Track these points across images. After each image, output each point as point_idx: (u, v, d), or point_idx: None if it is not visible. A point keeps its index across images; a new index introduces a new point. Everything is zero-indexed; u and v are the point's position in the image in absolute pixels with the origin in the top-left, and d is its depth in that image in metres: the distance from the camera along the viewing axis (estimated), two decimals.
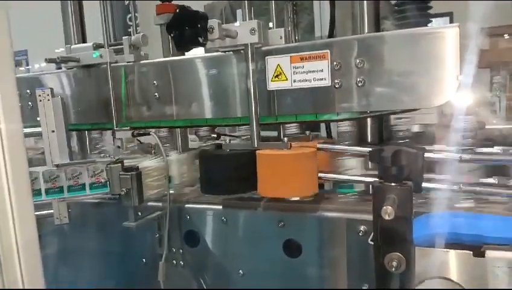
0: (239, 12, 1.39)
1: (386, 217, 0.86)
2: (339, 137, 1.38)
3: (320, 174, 1.23)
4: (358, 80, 1.20)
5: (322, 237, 1.22)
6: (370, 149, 1.18)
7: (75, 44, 1.73)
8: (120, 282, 1.54)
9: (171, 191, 1.43)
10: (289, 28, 1.65)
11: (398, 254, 0.90)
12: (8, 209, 0.89)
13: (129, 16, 2.81)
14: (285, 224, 1.23)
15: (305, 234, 1.22)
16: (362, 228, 1.15)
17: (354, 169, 1.31)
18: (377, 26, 1.45)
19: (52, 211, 1.43)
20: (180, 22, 1.15)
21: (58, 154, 1.43)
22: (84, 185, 1.45)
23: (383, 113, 1.23)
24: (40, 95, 1.44)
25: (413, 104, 1.16)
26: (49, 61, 1.52)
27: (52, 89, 1.45)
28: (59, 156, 1.42)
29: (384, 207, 0.84)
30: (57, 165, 1.41)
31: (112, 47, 1.53)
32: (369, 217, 0.99)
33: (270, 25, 1.57)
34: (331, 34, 1.75)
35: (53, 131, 1.43)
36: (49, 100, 1.44)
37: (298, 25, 1.88)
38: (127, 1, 2.45)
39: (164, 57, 1.60)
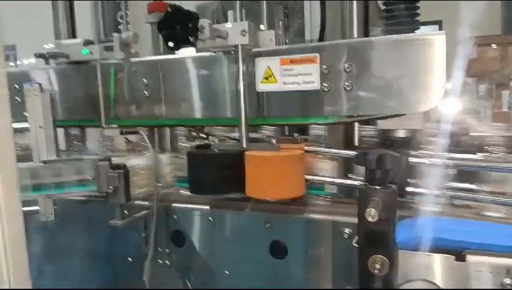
0: (230, 13, 1.40)
1: (370, 219, 0.88)
2: (322, 140, 1.40)
3: (307, 177, 1.24)
4: (346, 84, 1.21)
5: (307, 238, 1.23)
6: (354, 152, 1.20)
7: (65, 40, 1.72)
8: (105, 281, 1.53)
9: (159, 190, 1.43)
10: (280, 31, 1.67)
11: (381, 256, 0.91)
12: None
13: (120, 13, 2.79)
14: (272, 225, 1.24)
15: (291, 236, 1.23)
16: (347, 230, 1.17)
17: (329, 171, 1.33)
18: (365, 30, 1.46)
19: (37, 207, 1.41)
20: (172, 20, 1.15)
21: (45, 150, 1.42)
22: (70, 182, 1.44)
23: (369, 118, 1.25)
24: (28, 90, 1.43)
25: (399, 109, 1.18)
26: (39, 56, 1.51)
27: (40, 84, 1.44)
28: (46, 153, 1.41)
29: (368, 209, 0.85)
30: (44, 162, 1.40)
31: (102, 44, 1.52)
32: (354, 219, 1.01)
33: (262, 27, 1.59)
34: (321, 38, 1.76)
35: (41, 127, 1.42)
36: (37, 95, 1.43)
37: (289, 28, 1.90)
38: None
39: (154, 55, 1.60)
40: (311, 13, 1.83)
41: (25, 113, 1.45)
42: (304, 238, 1.23)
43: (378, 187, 0.90)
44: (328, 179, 1.27)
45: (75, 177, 1.44)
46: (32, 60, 1.79)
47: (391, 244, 0.93)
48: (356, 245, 0.96)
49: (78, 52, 1.53)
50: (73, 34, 1.84)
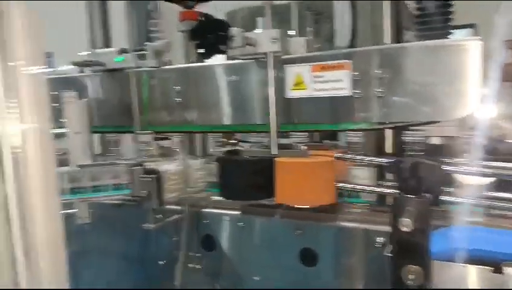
0: (260, 20, 1.41)
1: (404, 229, 0.87)
2: (354, 146, 1.38)
3: (338, 184, 1.24)
4: (378, 90, 1.20)
5: (338, 247, 1.22)
6: (387, 160, 1.19)
7: (100, 48, 1.78)
8: (137, 283, 1.56)
9: (190, 195, 1.46)
10: (310, 37, 1.66)
11: (415, 266, 0.90)
12: (36, 207, 0.92)
13: (152, 22, 2.85)
14: (302, 232, 1.24)
15: (322, 243, 1.23)
16: (380, 239, 1.15)
17: (366, 179, 1.31)
18: (397, 34, 1.44)
19: (73, 210, 1.46)
20: (203, 29, 1.17)
21: (81, 155, 1.47)
22: (105, 186, 1.48)
23: (402, 125, 1.23)
24: (66, 98, 1.49)
25: (434, 117, 1.15)
26: (76, 64, 1.57)
27: (77, 92, 1.49)
28: (82, 157, 1.46)
29: (402, 219, 0.84)
30: (80, 166, 1.44)
31: (136, 52, 1.57)
32: (387, 228, 0.99)
33: (292, 32, 1.59)
34: (351, 43, 1.75)
35: (77, 133, 1.47)
36: (74, 103, 1.48)
37: (319, 34, 1.89)
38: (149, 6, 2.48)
39: (185, 62, 1.63)
40: (341, 18, 1.82)
41: (62, 120, 1.51)
42: (335, 246, 1.22)
43: (412, 196, 0.89)
44: (359, 187, 1.26)
45: (109, 181, 1.48)
46: (69, 67, 1.86)
47: (425, 254, 0.91)
48: (389, 255, 0.95)
49: (113, 60, 1.58)
50: (107, 43, 1.90)
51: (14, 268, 0.95)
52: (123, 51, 1.58)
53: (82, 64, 1.58)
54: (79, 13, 2.04)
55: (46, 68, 0.91)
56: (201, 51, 1.17)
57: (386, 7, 1.39)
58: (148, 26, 2.03)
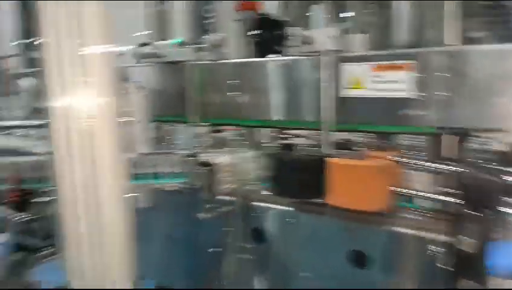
0: (315, 8, 1.38)
1: (463, 244, 0.85)
2: (410, 150, 1.34)
3: (394, 188, 1.21)
4: (442, 93, 1.16)
5: (389, 251, 1.21)
6: (448, 168, 1.15)
7: (158, 40, 1.82)
8: (186, 268, 1.64)
9: (242, 187, 1.49)
10: (367, 34, 1.61)
11: (471, 281, 0.88)
12: (104, 192, 0.99)
13: (205, 7, 2.86)
14: (352, 234, 1.24)
15: (372, 247, 1.22)
16: (433, 247, 1.12)
17: (423, 184, 1.27)
18: (462, 30, 1.37)
19: (135, 194, 1.54)
20: (262, 28, 1.18)
21: (142, 143, 1.54)
22: (163, 173, 1.55)
23: (464, 131, 1.18)
24: (129, 88, 1.55)
25: (501, 124, 1.09)
26: (136, 56, 1.63)
27: (140, 82, 1.56)
28: (143, 145, 1.54)
29: (462, 237, 0.82)
30: (142, 154, 1.52)
31: (194, 46, 1.60)
32: (442, 237, 0.97)
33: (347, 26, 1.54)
34: (410, 39, 1.69)
35: (139, 122, 1.54)
36: (136, 93, 1.54)
37: (376, 24, 1.83)
38: None
39: (240, 52, 1.64)
40: (400, 10, 1.74)
41: (124, 109, 1.58)
42: (386, 250, 1.21)
43: (472, 211, 0.86)
44: (416, 193, 1.22)
45: (167, 169, 1.55)
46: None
47: (483, 269, 0.89)
48: (443, 266, 0.93)
49: (172, 52, 1.62)
50: (165, 35, 1.94)
51: (82, 248, 1.03)
52: (182, 43, 1.62)
53: (143, 57, 1.64)
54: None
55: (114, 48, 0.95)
56: (260, 49, 1.18)
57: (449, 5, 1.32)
58: (204, 17, 2.06)
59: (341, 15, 1.59)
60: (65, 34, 0.87)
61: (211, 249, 1.57)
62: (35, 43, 1.54)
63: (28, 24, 2.14)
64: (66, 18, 0.87)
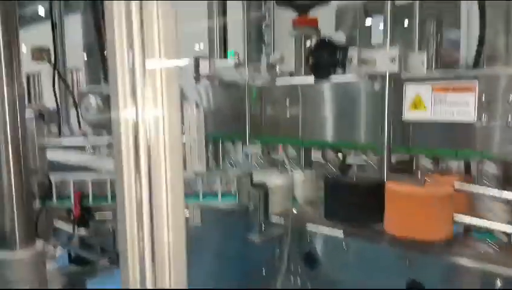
0: (376, 20, 1.35)
1: None
2: (479, 176, 1.26)
3: (456, 217, 1.14)
4: (509, 118, 1.08)
5: (449, 284, 1.14)
6: None
7: (218, 60, 1.87)
8: (237, 288, 1.63)
9: (294, 210, 1.48)
10: (431, 52, 1.55)
11: None
12: (164, 210, 1.00)
13: (264, 23, 2.89)
14: (411, 263, 1.18)
15: (431, 278, 1.15)
16: (499, 282, 1.04)
17: (496, 214, 1.18)
18: None
19: (187, 214, 1.58)
20: (321, 51, 1.17)
21: (197, 162, 1.57)
22: (216, 192, 1.57)
23: None
24: (185, 107, 1.60)
25: None
26: (196, 78, 1.68)
27: (196, 102, 1.60)
28: (198, 164, 1.57)
29: None
30: (196, 173, 1.55)
31: (251, 66, 1.63)
32: (509, 271, 0.90)
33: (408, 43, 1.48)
34: (478, 56, 1.60)
35: (194, 140, 1.58)
36: (193, 112, 1.59)
37: (442, 43, 1.75)
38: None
39: (295, 69, 1.64)
40: (469, 28, 1.66)
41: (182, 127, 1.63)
42: (445, 282, 1.14)
43: None
44: (479, 222, 1.14)
45: (220, 188, 1.56)
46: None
47: None
48: None
49: (229, 73, 1.66)
50: (225, 52, 1.99)
51: (141, 268, 1.05)
52: (239, 64, 1.65)
53: (205, 77, 1.69)
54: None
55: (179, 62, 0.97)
56: (318, 72, 1.17)
57: None
58: (263, 34, 2.08)
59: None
60: (131, 46, 0.89)
61: (262, 272, 1.55)
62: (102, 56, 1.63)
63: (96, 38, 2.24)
64: (132, 30, 0.89)
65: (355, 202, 1.26)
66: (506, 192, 1.13)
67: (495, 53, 1.45)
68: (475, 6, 1.48)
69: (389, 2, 1.24)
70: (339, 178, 1.35)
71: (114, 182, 1.07)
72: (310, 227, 1.41)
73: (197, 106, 1.62)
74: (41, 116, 1.78)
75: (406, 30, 1.52)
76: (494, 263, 1.08)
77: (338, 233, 1.34)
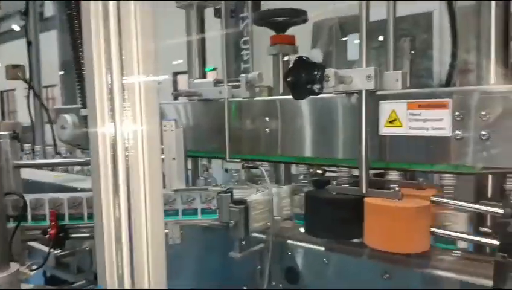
0: (352, 37, 1.39)
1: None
2: (445, 189, 1.30)
3: (432, 229, 1.17)
4: (482, 133, 1.12)
5: None
6: (490, 210, 1.10)
7: (198, 79, 1.88)
8: None
9: (275, 225, 1.47)
10: (406, 67, 1.60)
11: None
12: (143, 228, 0.99)
13: (242, 39, 2.93)
14: (391, 276, 1.19)
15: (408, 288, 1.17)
16: None
17: (458, 225, 1.22)
18: (505, 60, 1.34)
19: (166, 231, 1.56)
20: (297, 70, 1.19)
21: (176, 180, 1.56)
22: (196, 210, 1.56)
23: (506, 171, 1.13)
24: (165, 126, 1.59)
25: None
26: (176, 95, 1.68)
27: (176, 120, 1.59)
28: (177, 182, 1.56)
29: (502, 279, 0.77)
30: (175, 190, 1.54)
31: (230, 84, 1.64)
32: (484, 281, 0.93)
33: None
34: (451, 72, 1.66)
35: (174, 159, 1.57)
36: (172, 130, 1.58)
37: (414, 61, 1.82)
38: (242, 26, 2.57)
39: (272, 84, 1.66)
40: (441, 46, 1.73)
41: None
42: None
43: None
44: (456, 235, 1.17)
45: (200, 205, 1.55)
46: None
47: None
48: None
49: (208, 90, 1.66)
50: (203, 70, 1.99)
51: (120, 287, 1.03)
52: (218, 82, 1.66)
53: (180, 95, 1.69)
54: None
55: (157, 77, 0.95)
56: (295, 93, 1.19)
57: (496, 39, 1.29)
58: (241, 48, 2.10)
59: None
60: (109, 63, 0.89)
61: (244, 288, 1.54)
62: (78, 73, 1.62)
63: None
64: (110, 47, 0.89)
65: (334, 217, 1.28)
66: (473, 205, 1.17)
67: (467, 67, 1.51)
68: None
69: (364, 20, 1.28)
70: (318, 194, 1.35)
71: (91, 201, 1.05)
72: (291, 241, 1.42)
73: (177, 125, 1.62)
74: (15, 135, 1.75)
75: (381, 47, 1.57)
76: (468, 274, 1.10)
77: (319, 247, 1.35)
